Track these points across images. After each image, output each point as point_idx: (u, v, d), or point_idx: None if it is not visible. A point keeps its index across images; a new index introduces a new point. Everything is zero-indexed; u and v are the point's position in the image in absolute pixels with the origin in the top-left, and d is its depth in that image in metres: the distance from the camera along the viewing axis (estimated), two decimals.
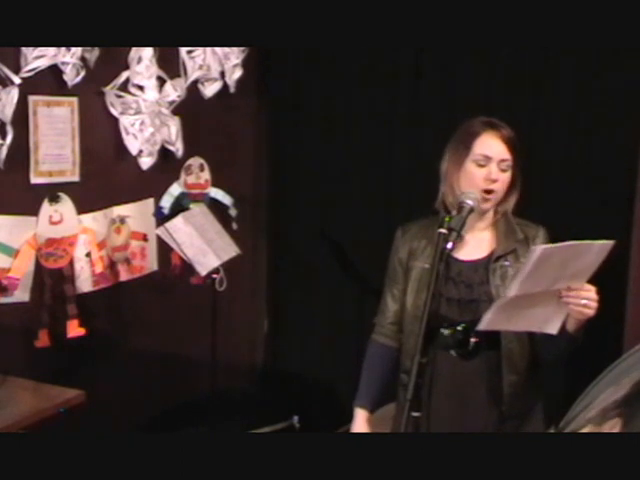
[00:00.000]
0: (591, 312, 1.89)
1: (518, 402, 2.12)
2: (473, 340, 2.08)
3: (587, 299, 1.88)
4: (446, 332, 2.09)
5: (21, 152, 2.85)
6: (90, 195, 3.13)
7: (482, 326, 1.90)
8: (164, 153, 3.41)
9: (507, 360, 2.09)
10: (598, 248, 1.82)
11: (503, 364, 2.09)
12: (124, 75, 3.17)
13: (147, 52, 3.19)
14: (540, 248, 1.78)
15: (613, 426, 1.09)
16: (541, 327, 1.96)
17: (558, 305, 1.90)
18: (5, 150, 2.76)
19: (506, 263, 2.11)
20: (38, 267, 2.94)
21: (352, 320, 3.80)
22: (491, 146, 2.09)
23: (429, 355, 1.88)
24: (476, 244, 2.16)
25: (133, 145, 3.24)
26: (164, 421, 3.50)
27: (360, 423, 2.24)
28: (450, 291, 2.12)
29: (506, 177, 2.10)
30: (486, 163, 2.09)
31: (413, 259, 2.20)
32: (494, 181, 2.08)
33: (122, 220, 3.29)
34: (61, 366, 2.99)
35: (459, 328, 2.08)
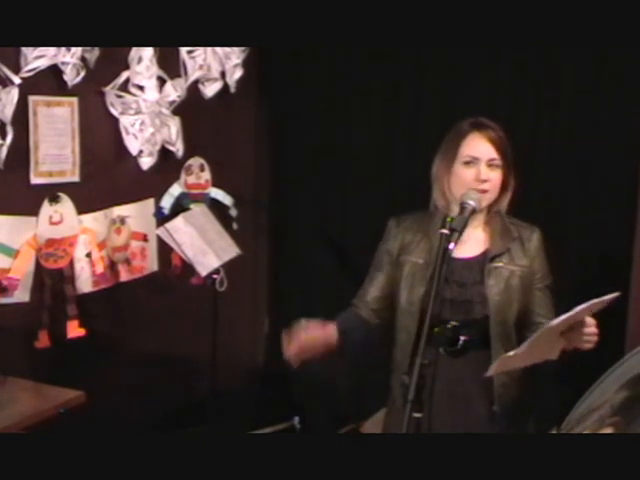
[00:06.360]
0: (591, 345, 1.94)
1: (510, 403, 2.13)
2: (462, 338, 2.08)
3: (588, 335, 1.92)
4: (435, 330, 2.08)
5: (21, 152, 2.85)
6: (90, 195, 3.12)
7: (490, 372, 1.95)
8: (164, 153, 3.40)
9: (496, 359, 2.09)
10: (603, 302, 1.86)
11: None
12: (124, 75, 3.17)
13: (147, 52, 3.18)
14: (554, 323, 1.84)
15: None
16: (543, 357, 1.99)
17: (558, 338, 1.93)
18: (5, 150, 2.75)
19: (500, 264, 2.12)
20: (38, 267, 2.94)
21: None
22: (478, 146, 2.10)
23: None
24: (470, 242, 2.15)
25: (133, 145, 3.24)
26: (164, 421, 3.50)
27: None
28: (443, 290, 2.12)
29: (496, 176, 2.10)
30: (474, 164, 2.09)
31: (406, 253, 2.19)
32: (484, 181, 2.08)
33: (122, 220, 3.29)
34: (61, 366, 2.98)
35: (448, 326, 2.09)
